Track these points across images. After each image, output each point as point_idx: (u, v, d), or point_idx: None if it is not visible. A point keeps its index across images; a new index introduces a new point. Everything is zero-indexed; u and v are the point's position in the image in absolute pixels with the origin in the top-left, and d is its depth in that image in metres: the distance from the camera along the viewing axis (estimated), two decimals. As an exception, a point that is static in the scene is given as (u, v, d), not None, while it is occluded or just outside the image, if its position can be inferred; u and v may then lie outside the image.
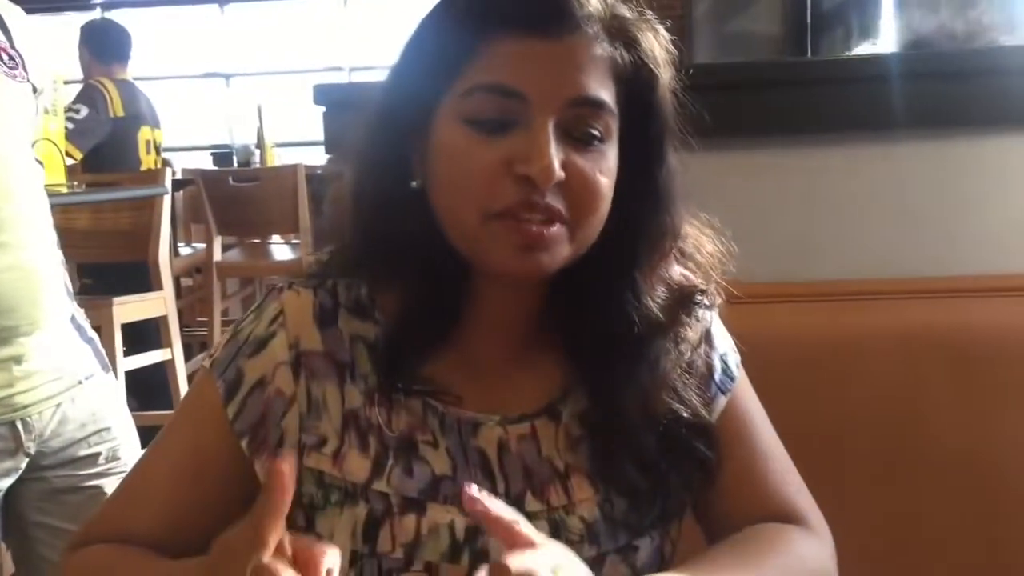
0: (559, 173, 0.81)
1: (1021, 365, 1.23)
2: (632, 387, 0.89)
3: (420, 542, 0.86)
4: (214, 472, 0.91)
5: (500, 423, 0.90)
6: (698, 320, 0.95)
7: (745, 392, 0.99)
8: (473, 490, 0.75)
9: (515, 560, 0.71)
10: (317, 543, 0.71)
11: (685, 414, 0.91)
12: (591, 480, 0.90)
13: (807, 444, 1.04)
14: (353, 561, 0.86)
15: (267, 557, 0.68)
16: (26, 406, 1.51)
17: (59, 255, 1.63)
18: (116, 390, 1.70)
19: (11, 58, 1.54)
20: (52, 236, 1.62)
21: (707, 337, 0.97)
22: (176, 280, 4.45)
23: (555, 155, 0.81)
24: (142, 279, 3.46)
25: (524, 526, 0.75)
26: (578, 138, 0.84)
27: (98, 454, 1.60)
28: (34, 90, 1.60)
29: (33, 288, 1.51)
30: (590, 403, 0.91)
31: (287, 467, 0.70)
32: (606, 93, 0.85)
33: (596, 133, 0.85)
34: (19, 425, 1.50)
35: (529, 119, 0.82)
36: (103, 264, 3.55)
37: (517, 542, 0.74)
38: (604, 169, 0.85)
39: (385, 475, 0.87)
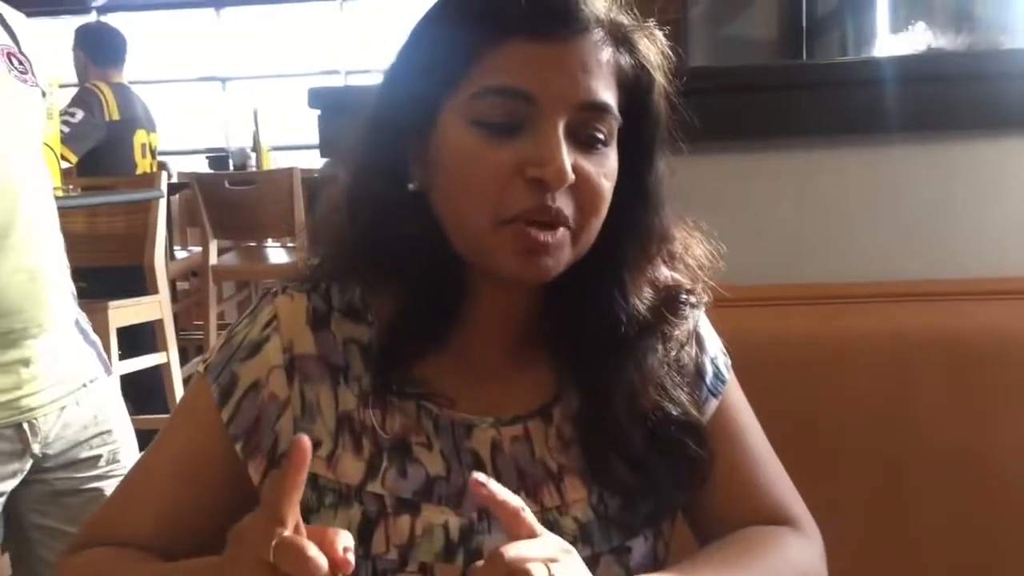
0: (572, 176, 0.82)
1: (1015, 368, 1.23)
2: (620, 385, 0.90)
3: (414, 543, 0.86)
4: (209, 475, 0.92)
5: (493, 425, 0.91)
6: (684, 319, 0.96)
7: (735, 395, 0.99)
8: (480, 476, 0.75)
9: (511, 550, 0.72)
10: (329, 528, 0.72)
11: (675, 412, 0.92)
12: (584, 480, 0.90)
13: (798, 447, 1.04)
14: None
15: (287, 533, 0.69)
16: (33, 409, 1.51)
17: (65, 259, 1.64)
18: (117, 393, 1.71)
19: (20, 63, 1.55)
20: (59, 240, 1.63)
21: (697, 339, 0.97)
22: (172, 284, 4.45)
23: (566, 157, 0.82)
24: (138, 283, 3.46)
25: (528, 515, 0.76)
26: (583, 141, 0.84)
27: (99, 456, 1.61)
28: (43, 95, 1.61)
29: (40, 291, 1.52)
30: (581, 404, 0.92)
31: (307, 441, 0.71)
32: (611, 97, 0.85)
33: (601, 136, 0.85)
34: (26, 427, 1.51)
35: (538, 122, 0.83)
36: (98, 268, 3.55)
37: (520, 529, 0.75)
38: (607, 173, 0.86)
39: (379, 477, 0.88)
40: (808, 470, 1.02)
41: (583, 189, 0.84)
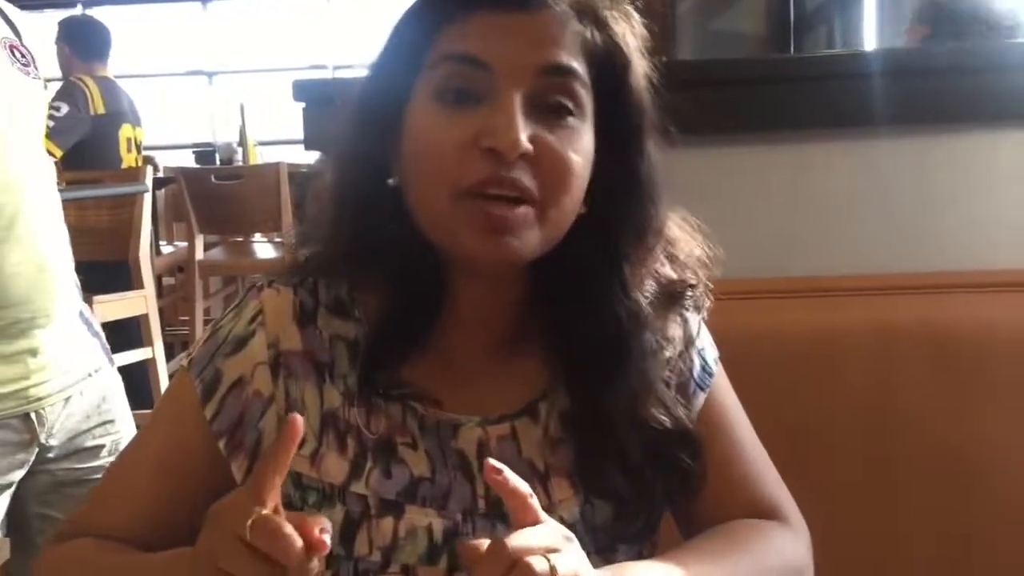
0: (526, 145, 0.80)
1: (1002, 361, 1.23)
2: (618, 387, 0.89)
3: (397, 545, 0.85)
4: (191, 471, 0.91)
5: (480, 424, 0.90)
6: (685, 322, 0.95)
7: (723, 388, 0.98)
8: (495, 462, 0.74)
9: (513, 540, 0.71)
10: (307, 514, 0.71)
11: (669, 423, 0.90)
12: (571, 481, 0.89)
13: (787, 441, 1.04)
14: (329, 563, 0.85)
15: (266, 511, 0.69)
16: (40, 398, 1.52)
17: (69, 251, 1.65)
18: (120, 384, 1.71)
19: (23, 55, 1.56)
20: (64, 232, 1.63)
21: (688, 336, 0.96)
22: (158, 279, 4.43)
23: (522, 127, 0.80)
24: (123, 278, 3.43)
25: (534, 502, 0.75)
26: (549, 112, 0.83)
27: (102, 446, 1.61)
28: (44, 87, 1.62)
29: (47, 282, 1.53)
30: (572, 402, 0.90)
31: (300, 420, 0.71)
32: (577, 65, 0.84)
33: (567, 104, 0.83)
34: (33, 417, 1.52)
35: (496, 92, 0.82)
36: (83, 262, 3.51)
37: (526, 516, 0.74)
38: (577, 147, 0.84)
39: (363, 477, 0.87)
40: (797, 464, 1.02)
41: (546, 162, 0.82)
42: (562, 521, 0.85)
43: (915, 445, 1.23)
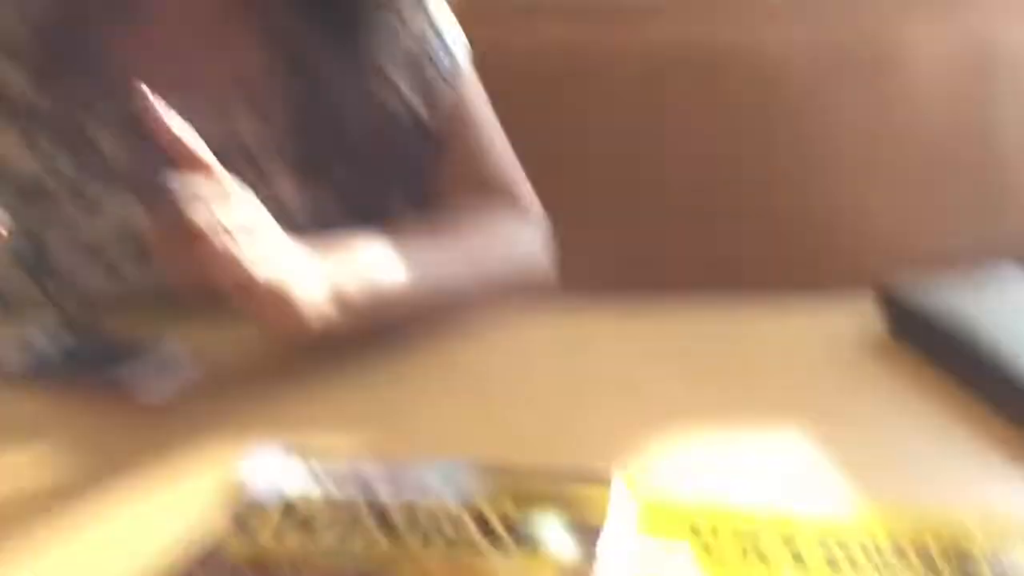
0: None
1: (762, 79, 1.21)
2: (345, 68, 0.82)
3: (95, 236, 0.79)
4: None
5: (185, 101, 0.80)
6: (426, 8, 0.88)
7: (471, 85, 0.92)
8: (146, 90, 0.64)
9: (185, 196, 0.62)
10: None
11: (403, 112, 0.85)
12: (294, 169, 0.83)
13: (548, 157, 0.98)
14: (23, 264, 0.78)
15: None
16: None
17: None
18: None
19: None
20: None
21: (430, 22, 0.89)
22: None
23: None
24: None
25: (203, 151, 0.66)
26: None
27: None
28: None
29: None
30: (296, 85, 0.83)
31: None
32: None
33: None
34: None
35: None
36: None
37: (189, 162, 0.65)
38: None
39: (49, 162, 0.78)
40: (557, 181, 0.97)
41: None
42: (284, 210, 0.79)
43: (676, 162, 1.22)
